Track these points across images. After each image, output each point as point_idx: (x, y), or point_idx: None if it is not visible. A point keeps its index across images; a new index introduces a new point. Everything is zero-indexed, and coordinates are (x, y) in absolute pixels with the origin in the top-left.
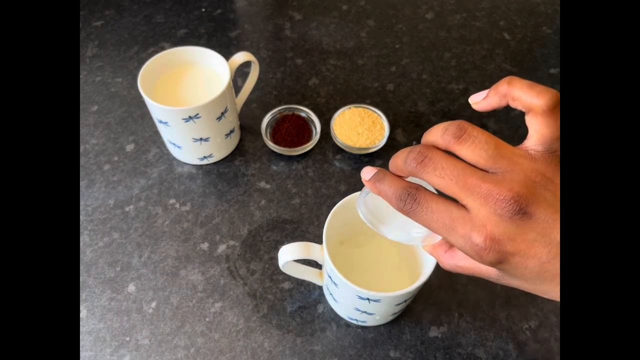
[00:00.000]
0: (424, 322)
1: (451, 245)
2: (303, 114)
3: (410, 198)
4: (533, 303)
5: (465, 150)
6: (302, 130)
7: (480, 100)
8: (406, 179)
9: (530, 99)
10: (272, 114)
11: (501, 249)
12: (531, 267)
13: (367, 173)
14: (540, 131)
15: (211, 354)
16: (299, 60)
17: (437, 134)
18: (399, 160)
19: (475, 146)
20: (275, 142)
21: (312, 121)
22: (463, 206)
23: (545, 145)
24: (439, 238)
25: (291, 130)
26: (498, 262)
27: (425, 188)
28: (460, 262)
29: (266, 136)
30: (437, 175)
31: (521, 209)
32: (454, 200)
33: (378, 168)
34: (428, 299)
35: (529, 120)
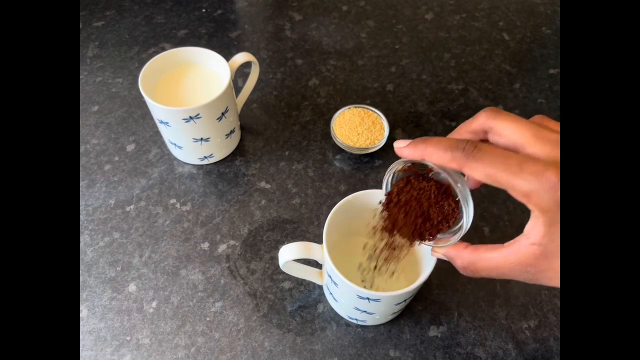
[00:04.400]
0: (423, 321)
1: (468, 244)
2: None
3: (470, 145)
4: (532, 303)
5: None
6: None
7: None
8: None
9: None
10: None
11: None
12: None
13: (402, 141)
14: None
15: (212, 354)
16: (299, 61)
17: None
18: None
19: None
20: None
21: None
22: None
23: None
24: (454, 241)
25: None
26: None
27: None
28: (485, 254)
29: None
30: (514, 120)
31: None
32: None
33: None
34: (427, 298)
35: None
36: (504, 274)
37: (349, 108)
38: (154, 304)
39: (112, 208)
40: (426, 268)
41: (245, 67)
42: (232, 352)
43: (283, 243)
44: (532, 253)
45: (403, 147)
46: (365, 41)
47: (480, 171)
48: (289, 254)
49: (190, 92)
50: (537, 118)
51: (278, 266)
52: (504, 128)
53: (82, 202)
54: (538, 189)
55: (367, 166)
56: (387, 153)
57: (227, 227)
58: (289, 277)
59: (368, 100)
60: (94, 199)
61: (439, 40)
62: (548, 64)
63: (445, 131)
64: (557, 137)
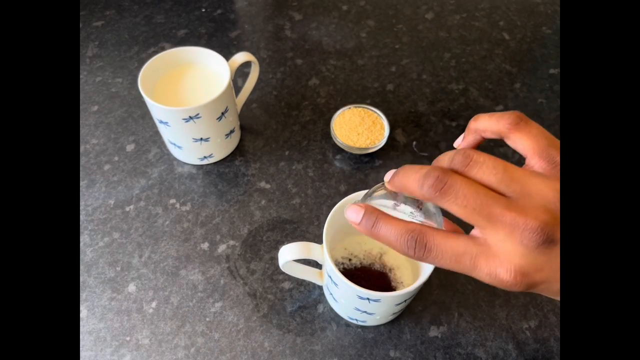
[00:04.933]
0: (423, 321)
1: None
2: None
3: (419, 245)
4: (533, 303)
5: (474, 178)
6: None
7: (461, 142)
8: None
9: (494, 125)
10: None
11: (529, 282)
12: (556, 289)
13: (355, 214)
14: (526, 146)
15: (211, 354)
16: (299, 61)
17: (444, 163)
18: (413, 182)
19: (484, 172)
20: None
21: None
22: (480, 236)
23: (543, 156)
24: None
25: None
26: (525, 291)
27: (430, 228)
28: None
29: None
30: (459, 205)
31: (548, 237)
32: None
33: (362, 205)
34: (428, 298)
35: (511, 143)
36: None
37: (349, 108)
38: (153, 304)
39: (112, 208)
40: (426, 268)
41: (245, 67)
42: (232, 353)
43: (283, 243)
44: None
45: (358, 223)
46: (365, 41)
47: (437, 266)
48: (289, 254)
49: (190, 92)
50: (508, 120)
51: (278, 266)
52: (453, 210)
53: (81, 202)
54: (496, 284)
55: (367, 166)
56: (387, 153)
57: (227, 227)
58: (289, 278)
59: (368, 100)
60: (94, 199)
61: (439, 40)
62: (548, 63)
63: (445, 131)
64: (512, 217)
